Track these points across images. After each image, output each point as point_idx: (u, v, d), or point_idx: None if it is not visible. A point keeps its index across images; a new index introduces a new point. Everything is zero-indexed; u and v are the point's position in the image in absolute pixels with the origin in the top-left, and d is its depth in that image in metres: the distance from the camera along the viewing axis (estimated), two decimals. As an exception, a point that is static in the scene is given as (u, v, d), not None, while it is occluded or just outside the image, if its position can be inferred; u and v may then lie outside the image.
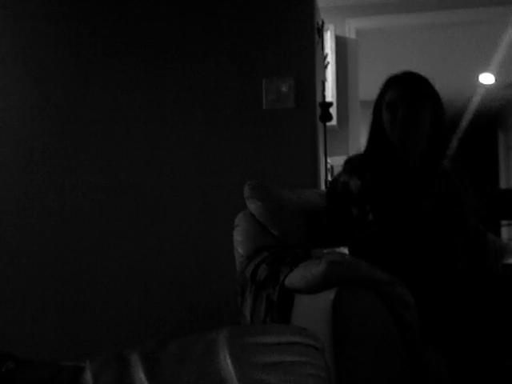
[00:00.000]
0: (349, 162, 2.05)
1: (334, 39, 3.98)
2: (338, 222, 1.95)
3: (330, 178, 3.11)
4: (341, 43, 4.05)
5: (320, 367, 0.87)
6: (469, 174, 2.16)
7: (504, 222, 4.97)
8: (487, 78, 6.00)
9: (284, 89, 2.68)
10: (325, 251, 1.79)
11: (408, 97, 1.92)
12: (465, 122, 6.82)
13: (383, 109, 1.96)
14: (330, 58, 3.92)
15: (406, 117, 1.91)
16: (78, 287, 2.79)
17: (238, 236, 2.09)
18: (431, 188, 1.92)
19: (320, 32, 3.06)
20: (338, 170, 2.21)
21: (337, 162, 3.24)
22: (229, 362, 0.78)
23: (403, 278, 1.55)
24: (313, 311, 1.51)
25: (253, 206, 2.10)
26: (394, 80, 1.99)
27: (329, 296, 1.44)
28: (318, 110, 2.84)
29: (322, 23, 3.18)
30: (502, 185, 7.41)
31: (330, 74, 3.91)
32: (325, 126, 2.98)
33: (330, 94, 3.82)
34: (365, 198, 1.88)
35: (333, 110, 3.17)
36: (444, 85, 6.42)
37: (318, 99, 2.85)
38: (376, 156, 1.98)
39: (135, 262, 2.77)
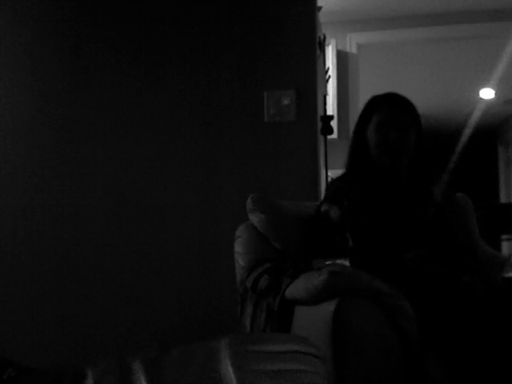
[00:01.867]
0: (329, 188, 2.06)
1: (335, 53, 4.02)
2: (322, 248, 1.94)
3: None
4: (342, 57, 4.09)
5: (321, 376, 0.87)
6: (464, 196, 2.17)
7: (504, 237, 4.97)
8: (488, 93, 6.03)
9: (285, 102, 2.70)
10: (326, 263, 1.79)
11: (399, 120, 1.95)
12: (465, 137, 6.84)
13: (370, 130, 1.99)
14: (332, 72, 3.95)
15: (399, 140, 1.94)
16: (79, 292, 2.79)
17: (239, 247, 2.10)
18: (415, 210, 1.93)
19: (321, 46, 3.09)
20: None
21: (337, 174, 3.25)
22: (230, 369, 0.78)
23: (403, 290, 1.56)
24: (313, 322, 1.51)
25: (256, 218, 2.11)
26: (382, 101, 2.01)
27: (329, 307, 1.44)
28: (319, 123, 2.86)
29: (324, 37, 3.21)
30: (502, 199, 7.42)
31: (332, 87, 3.94)
32: (325, 138, 3.00)
33: (331, 108, 3.84)
34: (344, 226, 1.87)
35: (334, 123, 3.19)
36: (444, 99, 6.48)
37: (319, 112, 2.87)
38: (356, 179, 1.99)
39: (136, 270, 2.77)
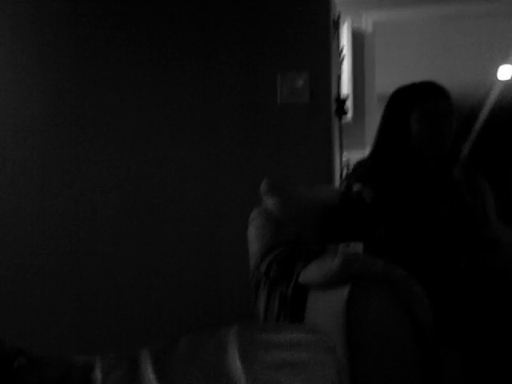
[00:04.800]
0: (360, 169, 2.03)
1: (350, 32, 3.95)
2: (352, 231, 1.92)
3: (345, 172, 3.08)
4: (357, 36, 4.01)
5: (331, 366, 0.86)
6: (482, 176, 2.15)
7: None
8: (506, 73, 5.92)
9: (299, 83, 2.66)
10: (340, 246, 1.78)
11: (447, 108, 1.94)
12: (482, 117, 6.74)
13: (414, 118, 1.94)
14: (346, 52, 3.89)
15: (449, 130, 1.94)
16: (89, 286, 2.80)
17: (252, 232, 2.09)
18: (445, 198, 1.91)
19: (336, 25, 3.03)
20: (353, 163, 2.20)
21: (353, 155, 3.21)
22: (238, 360, 0.78)
23: (418, 276, 1.54)
24: (327, 307, 1.50)
25: (270, 202, 2.10)
26: (425, 90, 1.97)
27: (343, 292, 1.43)
28: (334, 105, 2.82)
29: (339, 16, 3.15)
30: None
31: (346, 67, 3.88)
32: (340, 120, 2.96)
33: (346, 88, 3.79)
34: (378, 208, 1.86)
35: (349, 104, 3.14)
36: (462, 78, 6.37)
37: (334, 94, 2.83)
38: (389, 164, 1.96)
39: (147, 258, 2.77)
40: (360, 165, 2.07)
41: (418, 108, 1.94)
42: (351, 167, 2.20)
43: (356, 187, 1.95)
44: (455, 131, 1.99)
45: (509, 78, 5.99)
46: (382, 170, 1.96)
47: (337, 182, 2.76)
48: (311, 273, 1.61)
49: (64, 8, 2.91)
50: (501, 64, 5.74)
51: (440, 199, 1.91)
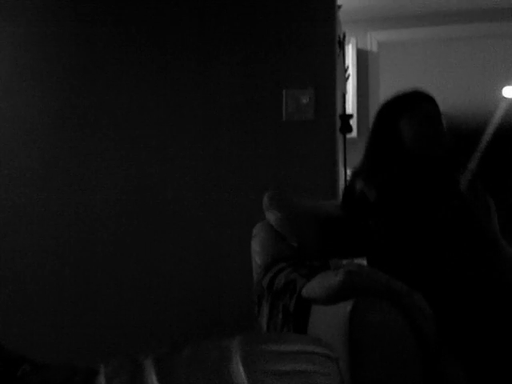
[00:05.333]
0: (361, 170, 2.06)
1: (355, 52, 3.99)
2: (355, 231, 1.94)
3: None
4: (362, 56, 4.05)
5: (334, 377, 0.86)
6: (483, 187, 2.16)
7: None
8: (510, 92, 5.94)
9: (304, 100, 2.68)
10: (343, 262, 1.78)
11: (435, 113, 2.03)
12: (487, 136, 6.75)
13: (404, 124, 2.01)
14: (351, 71, 3.92)
15: (439, 132, 2.00)
16: (93, 291, 2.80)
17: (255, 246, 2.09)
18: (446, 199, 1.93)
19: (341, 44, 3.07)
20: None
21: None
22: (241, 369, 0.78)
23: (421, 288, 1.54)
24: (330, 322, 1.50)
25: (272, 216, 2.11)
26: (413, 97, 2.05)
27: (346, 307, 1.43)
28: (338, 122, 2.84)
29: (344, 36, 3.19)
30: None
31: (351, 86, 3.91)
32: (344, 137, 2.98)
33: (351, 106, 3.82)
34: (381, 208, 1.88)
35: (353, 122, 3.16)
36: (466, 98, 6.38)
37: (339, 111, 2.85)
38: (388, 167, 1.99)
39: (151, 269, 2.77)
40: (362, 166, 2.08)
41: (405, 113, 2.01)
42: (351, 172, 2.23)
43: (359, 185, 1.97)
44: (450, 136, 2.05)
45: (514, 96, 6.00)
46: (383, 171, 1.98)
47: (340, 198, 2.76)
48: (314, 288, 1.61)
49: (64, 8, 2.94)
50: (505, 85, 5.76)
51: (441, 200, 1.92)
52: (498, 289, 1.67)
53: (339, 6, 2.97)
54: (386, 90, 4.17)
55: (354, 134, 3.40)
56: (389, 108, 2.08)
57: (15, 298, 2.86)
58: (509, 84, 5.74)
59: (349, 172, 3.30)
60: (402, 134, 2.01)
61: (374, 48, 4.14)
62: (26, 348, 1.01)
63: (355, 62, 3.98)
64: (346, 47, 3.66)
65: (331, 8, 2.77)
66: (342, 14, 3.08)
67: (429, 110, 2.02)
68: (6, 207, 2.91)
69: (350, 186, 2.06)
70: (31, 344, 2.64)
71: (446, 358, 1.48)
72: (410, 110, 2.01)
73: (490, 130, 6.70)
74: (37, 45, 2.96)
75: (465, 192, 2.01)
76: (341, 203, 2.11)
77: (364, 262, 1.94)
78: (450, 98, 6.02)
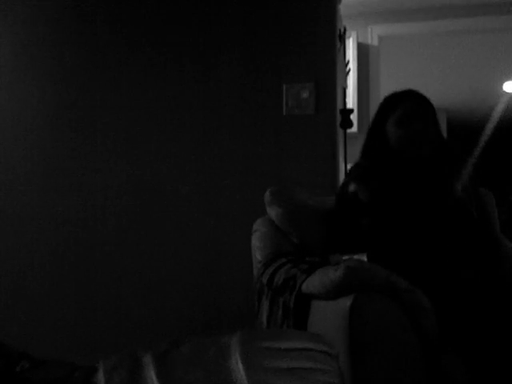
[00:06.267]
0: (355, 170, 2.06)
1: (356, 46, 3.98)
2: (347, 232, 1.94)
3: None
4: (363, 50, 4.04)
5: (334, 374, 0.86)
6: (487, 189, 2.17)
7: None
8: (511, 86, 5.93)
9: (304, 95, 2.68)
10: (343, 257, 1.77)
11: (422, 112, 1.99)
12: (488, 131, 6.74)
13: (390, 125, 2.02)
14: (352, 65, 3.91)
15: (423, 131, 1.97)
16: (92, 287, 2.81)
17: (256, 241, 2.09)
18: (440, 197, 1.92)
19: (342, 38, 3.05)
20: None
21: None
22: (240, 366, 0.78)
23: (421, 285, 1.53)
24: (330, 317, 1.50)
25: (273, 212, 2.11)
26: (401, 97, 2.05)
27: (346, 302, 1.43)
28: (339, 117, 2.83)
29: (344, 30, 3.18)
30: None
31: (352, 80, 3.90)
32: (345, 132, 2.97)
33: (351, 101, 3.81)
34: (374, 207, 1.88)
35: (353, 117, 3.16)
36: (467, 92, 6.38)
37: (339, 106, 2.84)
38: (380, 166, 1.99)
39: (150, 264, 2.77)
40: (356, 166, 2.09)
41: (392, 115, 2.01)
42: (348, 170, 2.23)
43: (352, 187, 1.97)
44: (443, 139, 2.03)
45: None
46: (377, 171, 1.98)
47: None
48: (314, 283, 1.61)
49: (64, 7, 2.93)
50: (506, 79, 5.75)
51: (431, 199, 1.92)
52: (498, 286, 1.66)
53: (340, 0, 2.96)
54: (386, 84, 4.16)
55: (354, 128, 3.38)
56: (379, 109, 2.09)
57: (15, 297, 2.87)
58: (510, 79, 5.73)
59: (349, 167, 3.30)
60: (388, 135, 2.02)
61: (375, 42, 4.12)
62: (25, 346, 1.01)
63: (356, 57, 3.96)
64: (347, 41, 3.65)
65: (332, 2, 2.76)
66: (342, 8, 3.07)
67: (412, 109, 1.99)
68: (5, 206, 2.91)
69: (342, 187, 2.06)
70: (31, 342, 2.65)
71: (447, 354, 1.48)
72: (392, 111, 2.01)
73: (491, 124, 6.70)
74: (36, 44, 2.96)
75: (460, 189, 2.00)
76: (335, 202, 2.10)
77: (364, 257, 1.93)
78: (451, 93, 6.01)
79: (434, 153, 2.01)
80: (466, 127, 6.58)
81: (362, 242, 1.88)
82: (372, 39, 4.12)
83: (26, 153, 2.92)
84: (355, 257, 1.91)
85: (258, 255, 2.03)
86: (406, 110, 1.99)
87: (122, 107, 2.86)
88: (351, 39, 3.94)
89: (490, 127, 6.69)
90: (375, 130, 2.07)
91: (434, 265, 1.77)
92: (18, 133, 2.94)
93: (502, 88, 5.98)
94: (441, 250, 1.81)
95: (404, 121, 1.98)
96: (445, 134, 3.51)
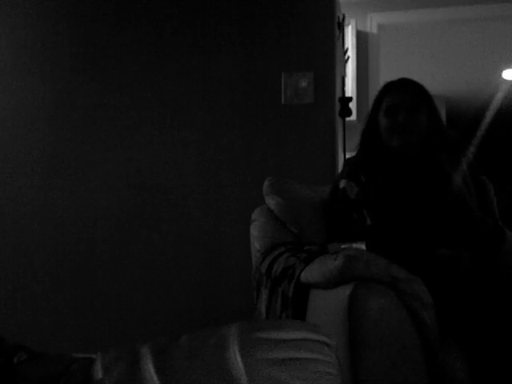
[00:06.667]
0: (346, 165, 2.06)
1: (355, 34, 3.95)
2: (340, 227, 1.94)
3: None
4: (362, 38, 4.01)
5: (332, 364, 0.85)
6: (486, 177, 2.15)
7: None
8: (511, 74, 5.91)
9: (303, 84, 2.66)
10: (342, 246, 1.77)
11: (407, 101, 1.97)
12: (488, 119, 6.72)
13: (380, 115, 2.02)
14: (351, 53, 3.89)
15: (407, 121, 1.96)
16: (92, 285, 2.81)
17: (254, 231, 2.09)
18: (432, 188, 1.92)
19: (340, 26, 3.03)
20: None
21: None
22: (238, 357, 0.77)
23: (419, 273, 1.53)
24: (328, 307, 1.50)
25: (272, 202, 2.11)
26: (391, 86, 2.04)
27: (345, 291, 1.43)
28: (338, 105, 2.82)
29: (343, 18, 3.15)
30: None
31: (351, 68, 3.88)
32: (344, 121, 2.96)
33: (350, 89, 3.79)
34: (362, 203, 1.87)
35: (352, 105, 3.14)
36: (466, 80, 6.35)
37: (338, 94, 2.83)
38: (371, 159, 1.99)
39: (150, 257, 2.77)
40: (348, 160, 2.09)
41: (382, 104, 2.01)
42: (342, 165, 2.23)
43: (342, 184, 1.96)
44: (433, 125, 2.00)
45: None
46: (364, 166, 1.97)
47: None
48: (313, 272, 1.61)
49: (65, 7, 2.92)
50: (505, 67, 5.73)
51: (426, 189, 1.91)
52: (500, 279, 1.66)
53: (338, -12, 2.94)
54: (385, 72, 4.14)
55: (353, 117, 3.37)
56: (374, 99, 2.09)
57: (15, 295, 2.86)
58: (509, 67, 5.70)
59: (348, 156, 3.29)
60: (379, 125, 2.02)
61: (374, 30, 4.10)
62: (25, 344, 1.01)
63: (355, 44, 3.94)
64: (346, 29, 3.62)
65: (330, -10, 2.74)
66: (341, -4, 3.05)
67: (398, 99, 1.98)
68: (5, 206, 2.90)
69: (335, 183, 2.05)
70: (31, 341, 2.65)
71: (447, 348, 1.48)
72: (385, 101, 2.01)
73: (491, 112, 6.68)
74: (36, 42, 2.94)
75: (460, 185, 1.98)
76: (328, 200, 2.09)
77: (363, 246, 1.93)
78: (450, 81, 5.99)
79: (427, 141, 1.99)
80: (466, 115, 6.56)
81: (354, 233, 1.88)
82: (371, 27, 4.09)
83: (26, 152, 2.91)
84: (354, 245, 1.90)
85: (256, 245, 2.03)
86: (393, 99, 1.99)
87: (122, 105, 2.85)
88: (350, 27, 3.91)
89: (489, 115, 6.67)
90: (370, 120, 2.07)
91: (430, 253, 1.77)
92: (18, 133, 2.93)
93: (501, 76, 5.95)
94: (436, 239, 1.81)
95: (390, 111, 1.98)
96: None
